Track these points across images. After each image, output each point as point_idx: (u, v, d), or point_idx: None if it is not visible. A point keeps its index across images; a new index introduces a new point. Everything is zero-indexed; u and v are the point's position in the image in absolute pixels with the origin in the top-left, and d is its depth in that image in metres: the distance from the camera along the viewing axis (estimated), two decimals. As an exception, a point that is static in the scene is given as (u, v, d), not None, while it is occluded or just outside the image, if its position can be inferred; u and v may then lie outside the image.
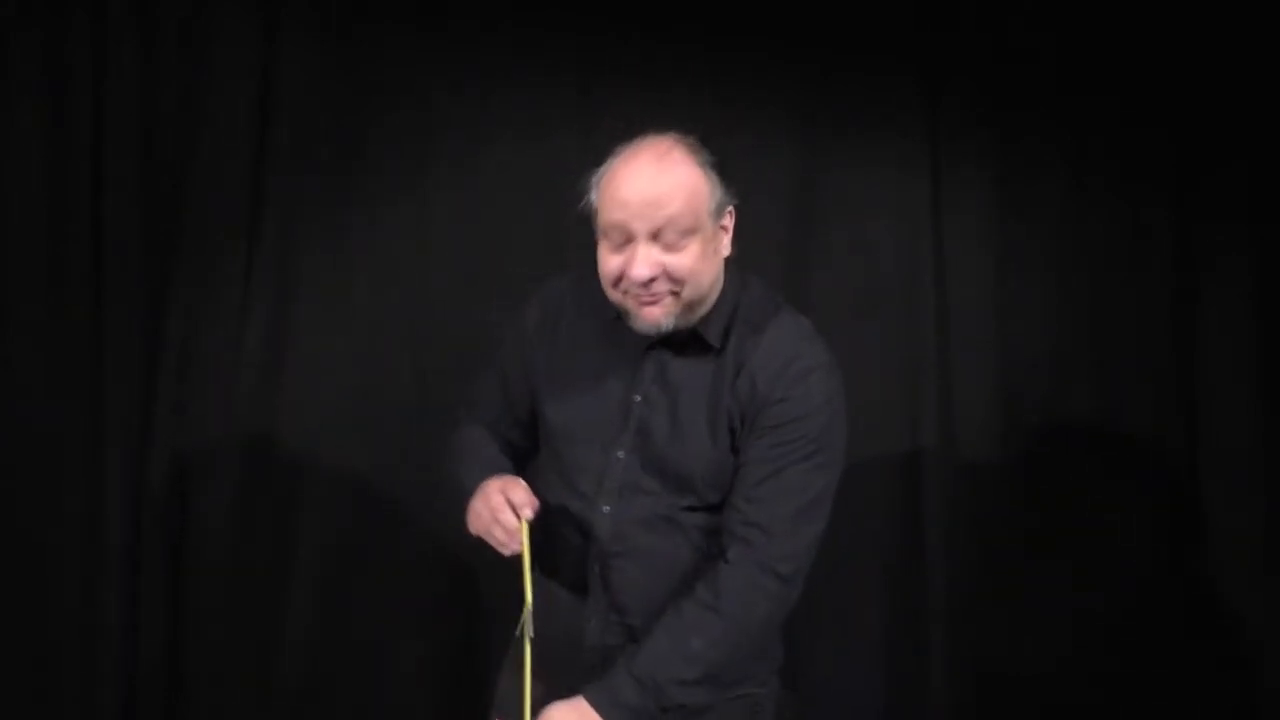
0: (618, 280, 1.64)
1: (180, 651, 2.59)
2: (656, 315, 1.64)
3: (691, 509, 1.69)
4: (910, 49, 2.80)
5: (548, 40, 2.70)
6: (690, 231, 1.61)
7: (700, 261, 1.63)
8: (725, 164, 1.70)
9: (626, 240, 1.62)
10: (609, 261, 1.64)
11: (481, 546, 2.03)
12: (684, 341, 1.71)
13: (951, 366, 2.80)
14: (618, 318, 1.70)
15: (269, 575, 2.60)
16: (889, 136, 2.80)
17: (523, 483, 1.69)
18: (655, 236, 1.60)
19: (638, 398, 1.70)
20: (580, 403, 1.72)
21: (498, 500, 1.65)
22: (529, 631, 1.64)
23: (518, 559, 1.65)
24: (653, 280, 1.61)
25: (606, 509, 1.69)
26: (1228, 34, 2.81)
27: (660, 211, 1.59)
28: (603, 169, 1.68)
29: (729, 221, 1.70)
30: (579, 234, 1.82)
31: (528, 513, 1.62)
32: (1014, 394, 2.84)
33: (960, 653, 2.76)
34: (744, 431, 1.67)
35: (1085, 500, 2.83)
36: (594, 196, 1.68)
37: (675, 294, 1.63)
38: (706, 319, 1.70)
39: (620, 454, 1.69)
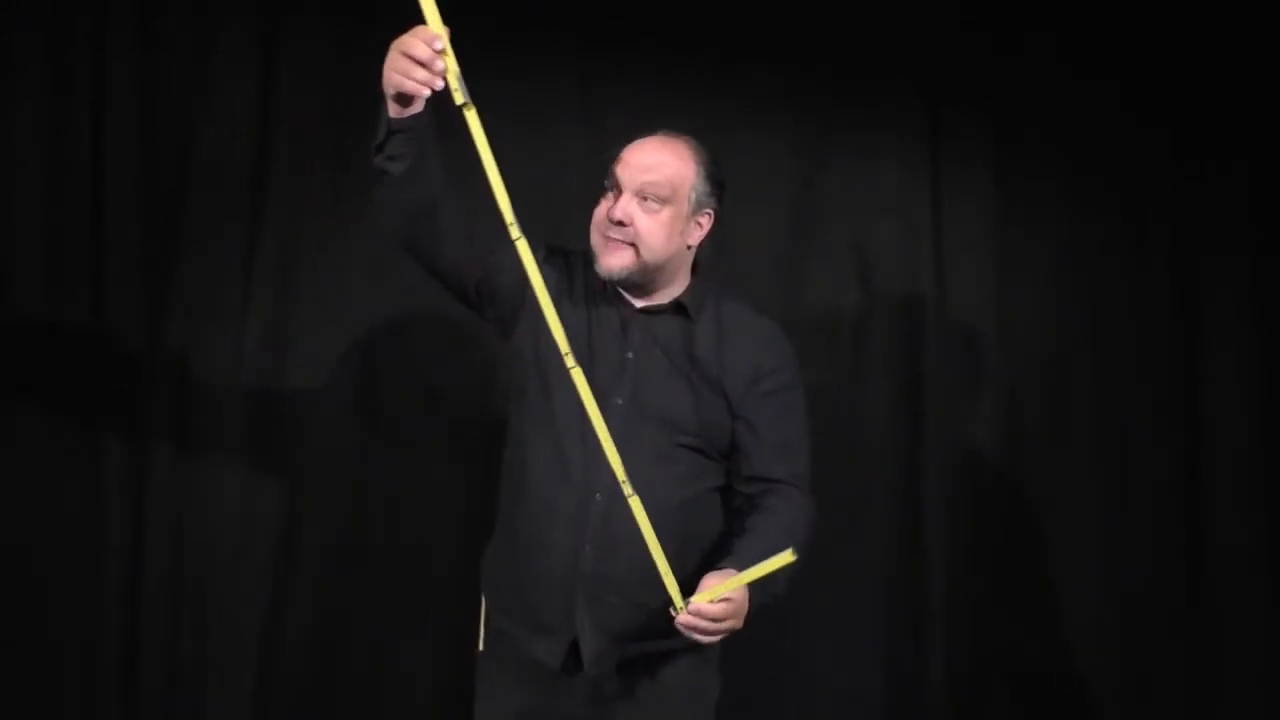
0: (601, 220, 1.90)
1: (180, 651, 2.58)
2: (613, 262, 1.89)
3: (683, 446, 1.91)
4: (910, 49, 2.81)
5: (548, 40, 2.70)
6: (665, 201, 1.88)
7: (662, 229, 1.89)
8: (724, 180, 1.96)
9: (620, 193, 1.89)
10: (602, 207, 1.92)
11: (482, 542, 2.05)
12: (664, 311, 1.96)
13: (952, 366, 2.81)
14: (603, 288, 1.95)
15: (269, 573, 2.60)
16: (889, 136, 2.81)
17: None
18: (639, 193, 1.87)
19: (630, 355, 1.93)
20: (580, 356, 1.86)
21: (402, 41, 1.61)
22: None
23: None
24: (621, 224, 1.87)
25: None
26: (1227, 34, 2.82)
27: (645, 175, 1.88)
28: None
29: (705, 221, 1.94)
30: (580, 232, 1.97)
31: (439, 44, 1.60)
32: (1014, 394, 2.84)
33: (960, 652, 2.76)
34: (745, 397, 1.93)
35: (1085, 500, 2.83)
36: None
37: (634, 248, 1.88)
38: (686, 293, 1.97)
39: (619, 400, 1.90)
